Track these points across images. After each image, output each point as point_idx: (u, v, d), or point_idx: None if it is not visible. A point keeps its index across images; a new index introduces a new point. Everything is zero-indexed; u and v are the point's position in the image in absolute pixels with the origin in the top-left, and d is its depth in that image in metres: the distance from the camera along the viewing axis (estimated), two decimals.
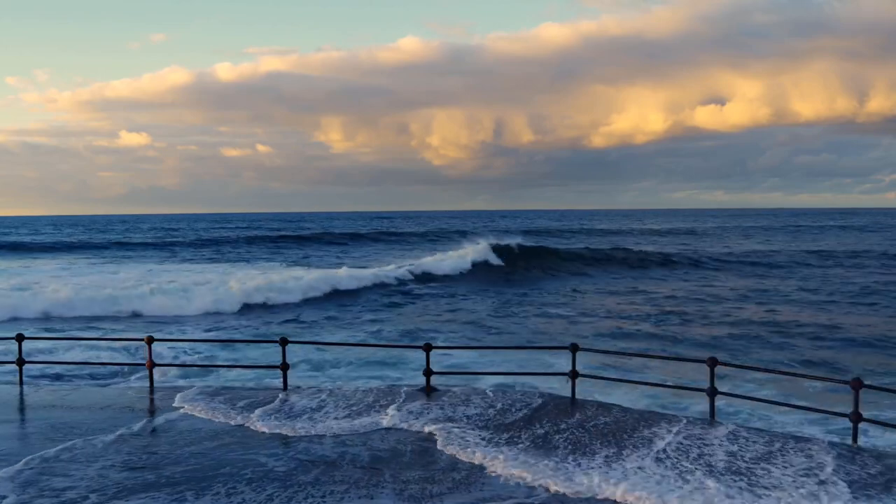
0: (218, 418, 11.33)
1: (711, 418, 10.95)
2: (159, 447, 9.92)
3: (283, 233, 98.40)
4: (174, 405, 12.17)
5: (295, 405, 11.96)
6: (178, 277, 40.02)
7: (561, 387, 13.51)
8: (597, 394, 14.07)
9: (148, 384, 13.68)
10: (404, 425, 10.73)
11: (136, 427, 10.84)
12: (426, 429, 10.51)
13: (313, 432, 10.55)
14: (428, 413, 11.26)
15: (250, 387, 14.51)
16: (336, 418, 11.17)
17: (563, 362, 16.16)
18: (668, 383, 15.09)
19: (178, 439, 10.26)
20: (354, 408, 11.68)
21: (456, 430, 10.36)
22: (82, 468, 9.00)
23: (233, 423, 11.12)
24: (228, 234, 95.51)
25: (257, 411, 11.57)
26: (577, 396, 12.11)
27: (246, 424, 11.00)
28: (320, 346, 20.56)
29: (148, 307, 30.44)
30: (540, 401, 11.87)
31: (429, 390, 12.56)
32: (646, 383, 14.60)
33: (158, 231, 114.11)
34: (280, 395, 12.58)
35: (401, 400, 12.00)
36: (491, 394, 12.47)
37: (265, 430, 10.69)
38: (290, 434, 10.54)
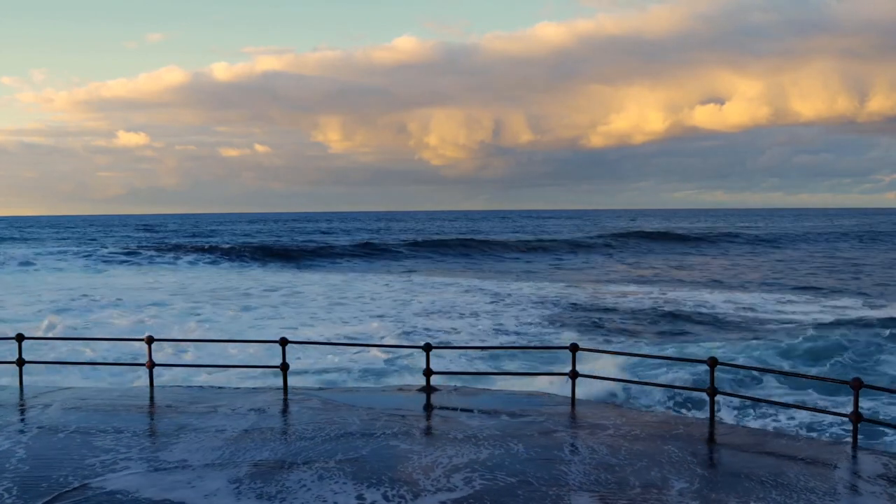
0: None
1: (711, 418, 10.91)
2: None
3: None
4: None
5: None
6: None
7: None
8: None
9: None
10: None
11: None
12: None
13: None
14: None
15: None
16: None
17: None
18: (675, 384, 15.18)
19: None
20: None
21: None
22: None
23: None
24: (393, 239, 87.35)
25: None
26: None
27: None
28: None
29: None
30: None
31: (429, 390, 12.64)
32: (647, 383, 14.78)
33: (285, 236, 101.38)
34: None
35: None
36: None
37: None
38: None
